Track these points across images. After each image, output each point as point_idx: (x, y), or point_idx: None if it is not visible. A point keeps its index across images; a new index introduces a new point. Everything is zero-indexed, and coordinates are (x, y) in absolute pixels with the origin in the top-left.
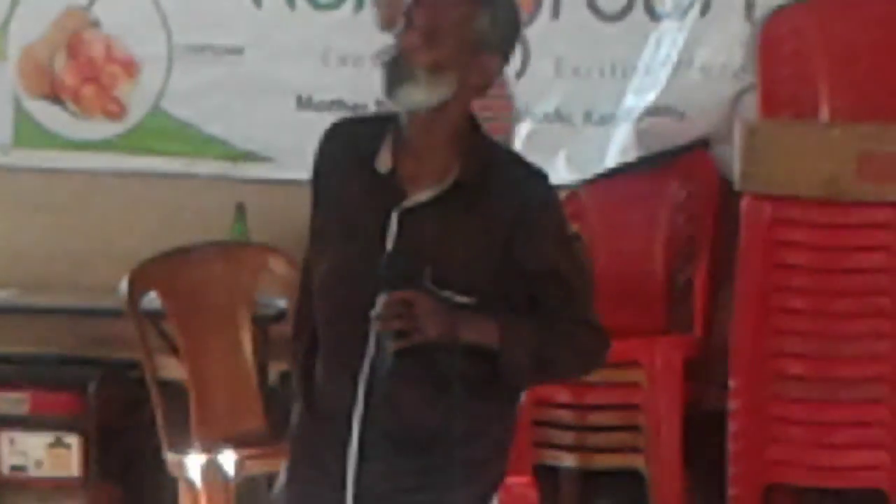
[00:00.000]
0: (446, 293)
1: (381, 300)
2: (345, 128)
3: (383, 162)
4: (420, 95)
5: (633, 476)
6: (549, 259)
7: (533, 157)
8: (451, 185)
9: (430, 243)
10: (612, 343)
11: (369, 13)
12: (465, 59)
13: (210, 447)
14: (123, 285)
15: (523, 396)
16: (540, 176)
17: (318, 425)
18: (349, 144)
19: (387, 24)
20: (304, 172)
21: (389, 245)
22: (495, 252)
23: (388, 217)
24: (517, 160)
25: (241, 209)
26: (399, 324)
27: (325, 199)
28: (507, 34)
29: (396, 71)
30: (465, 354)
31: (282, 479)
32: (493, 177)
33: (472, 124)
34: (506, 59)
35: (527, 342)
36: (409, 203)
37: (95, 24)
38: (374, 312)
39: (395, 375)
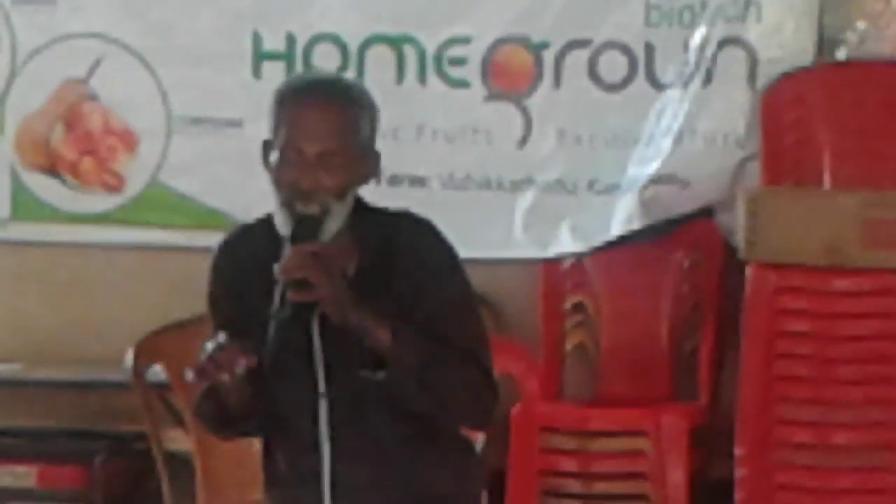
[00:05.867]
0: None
1: (288, 249)
2: (237, 242)
3: None
4: (336, 223)
5: None
6: (436, 299)
7: (537, 228)
8: (355, 273)
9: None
10: (499, 392)
11: (370, 81)
12: (356, 165)
13: None
14: (129, 358)
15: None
16: (417, 223)
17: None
18: (247, 257)
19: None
20: None
21: (317, 346)
22: (406, 317)
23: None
24: (394, 218)
25: None
26: (301, 273)
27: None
28: (377, 120)
29: (309, 219)
30: (396, 412)
31: None
32: (389, 250)
33: (358, 203)
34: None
35: (417, 347)
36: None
37: (93, 96)
38: (279, 262)
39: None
